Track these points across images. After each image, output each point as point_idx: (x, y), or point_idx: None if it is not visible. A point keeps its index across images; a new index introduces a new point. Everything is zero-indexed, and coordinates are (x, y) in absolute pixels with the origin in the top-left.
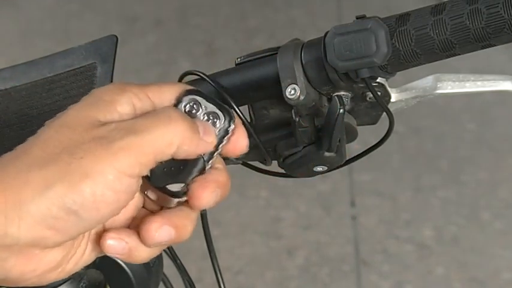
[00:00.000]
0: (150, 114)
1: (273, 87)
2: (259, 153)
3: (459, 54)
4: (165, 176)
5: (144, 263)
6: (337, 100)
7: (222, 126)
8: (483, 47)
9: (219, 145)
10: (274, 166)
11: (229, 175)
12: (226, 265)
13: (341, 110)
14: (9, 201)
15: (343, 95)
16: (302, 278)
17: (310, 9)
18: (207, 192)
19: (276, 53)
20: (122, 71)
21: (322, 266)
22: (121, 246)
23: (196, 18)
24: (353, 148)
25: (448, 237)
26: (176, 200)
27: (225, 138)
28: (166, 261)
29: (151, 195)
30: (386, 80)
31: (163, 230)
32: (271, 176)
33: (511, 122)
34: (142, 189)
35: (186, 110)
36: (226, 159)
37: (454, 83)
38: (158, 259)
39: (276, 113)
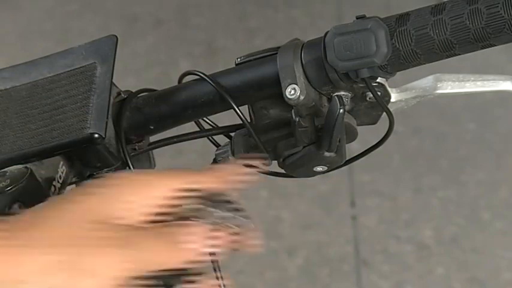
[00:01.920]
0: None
1: (273, 87)
2: (259, 153)
3: (459, 54)
4: None
5: None
6: (337, 100)
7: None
8: (483, 47)
9: None
10: (274, 166)
11: None
12: (226, 265)
13: (341, 110)
14: (9, 278)
15: (343, 95)
16: (302, 278)
17: (310, 9)
18: None
19: (276, 53)
20: (122, 71)
21: (322, 266)
22: None
23: (196, 18)
24: (353, 148)
25: (448, 237)
26: None
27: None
28: None
29: None
30: (386, 80)
31: None
32: (271, 176)
33: (511, 122)
34: None
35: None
36: (226, 159)
37: (454, 83)
38: None
39: (276, 113)
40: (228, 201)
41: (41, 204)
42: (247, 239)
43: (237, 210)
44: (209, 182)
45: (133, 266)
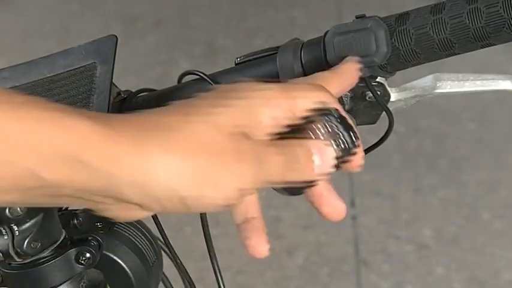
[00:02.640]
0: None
1: None
2: None
3: (459, 54)
4: None
5: (144, 263)
6: None
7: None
8: (483, 46)
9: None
10: None
11: None
12: (226, 265)
13: None
14: (135, 168)
15: (343, 94)
16: (302, 278)
17: (310, 9)
18: None
19: (276, 53)
20: (122, 71)
21: (322, 266)
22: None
23: (196, 18)
24: None
25: (448, 237)
26: None
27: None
28: (166, 261)
29: None
30: (386, 80)
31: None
32: None
33: (511, 122)
34: None
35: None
36: None
37: (453, 82)
38: (158, 259)
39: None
40: (341, 116)
41: (167, 108)
42: (357, 159)
43: (347, 125)
44: (337, 91)
45: (258, 180)
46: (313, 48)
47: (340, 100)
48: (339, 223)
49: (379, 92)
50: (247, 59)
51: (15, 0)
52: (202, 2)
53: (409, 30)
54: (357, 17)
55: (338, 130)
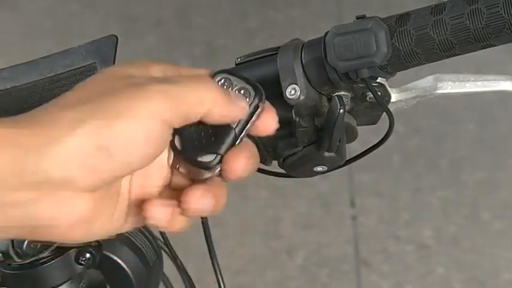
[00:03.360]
0: (182, 75)
1: (273, 87)
2: (259, 153)
3: (459, 54)
4: (196, 148)
5: (144, 263)
6: (337, 100)
7: (252, 101)
8: (483, 47)
9: (249, 119)
10: (274, 166)
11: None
12: (226, 265)
13: (341, 110)
14: (41, 138)
15: (343, 95)
16: (302, 278)
17: (310, 9)
18: (242, 162)
19: (276, 53)
20: None
21: (322, 266)
22: (165, 215)
23: (196, 18)
24: (353, 148)
25: (448, 237)
26: (209, 171)
27: (255, 113)
28: (166, 261)
29: (183, 169)
30: (386, 80)
31: (205, 199)
32: (271, 176)
33: (511, 122)
34: (173, 165)
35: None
36: None
37: (454, 83)
38: (158, 259)
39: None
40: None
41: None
42: (267, 116)
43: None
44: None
45: (173, 106)
46: (314, 48)
47: (341, 101)
48: (339, 223)
49: (379, 93)
50: (247, 59)
51: (15, 0)
52: (202, 2)
53: (409, 31)
54: (357, 18)
55: (242, 86)
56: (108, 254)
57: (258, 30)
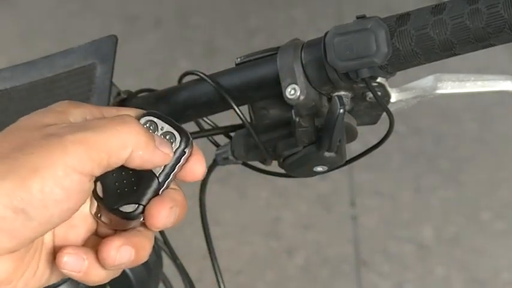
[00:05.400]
0: (103, 118)
1: (273, 87)
2: (259, 153)
3: (459, 54)
4: (118, 197)
5: (143, 263)
6: (337, 100)
7: (178, 146)
8: (483, 47)
9: (175, 165)
10: (274, 166)
11: (187, 198)
12: (226, 265)
13: (341, 110)
14: None
15: (343, 95)
16: (302, 278)
17: (310, 9)
18: (164, 211)
19: (276, 53)
20: (121, 71)
21: (322, 266)
22: (79, 264)
23: (196, 18)
24: (353, 148)
25: (448, 237)
26: (131, 222)
27: (182, 158)
28: (166, 261)
29: (105, 218)
30: (386, 80)
31: (123, 250)
32: (271, 176)
33: (511, 122)
34: (96, 213)
35: None
36: (226, 159)
37: (454, 83)
38: (158, 259)
39: (276, 113)
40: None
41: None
42: (194, 162)
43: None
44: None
45: (91, 154)
46: (314, 48)
47: (341, 101)
48: (339, 223)
49: (379, 93)
50: (247, 59)
51: (15, 0)
52: (202, 2)
53: (409, 31)
54: (357, 18)
55: (167, 131)
56: None
57: (258, 30)
